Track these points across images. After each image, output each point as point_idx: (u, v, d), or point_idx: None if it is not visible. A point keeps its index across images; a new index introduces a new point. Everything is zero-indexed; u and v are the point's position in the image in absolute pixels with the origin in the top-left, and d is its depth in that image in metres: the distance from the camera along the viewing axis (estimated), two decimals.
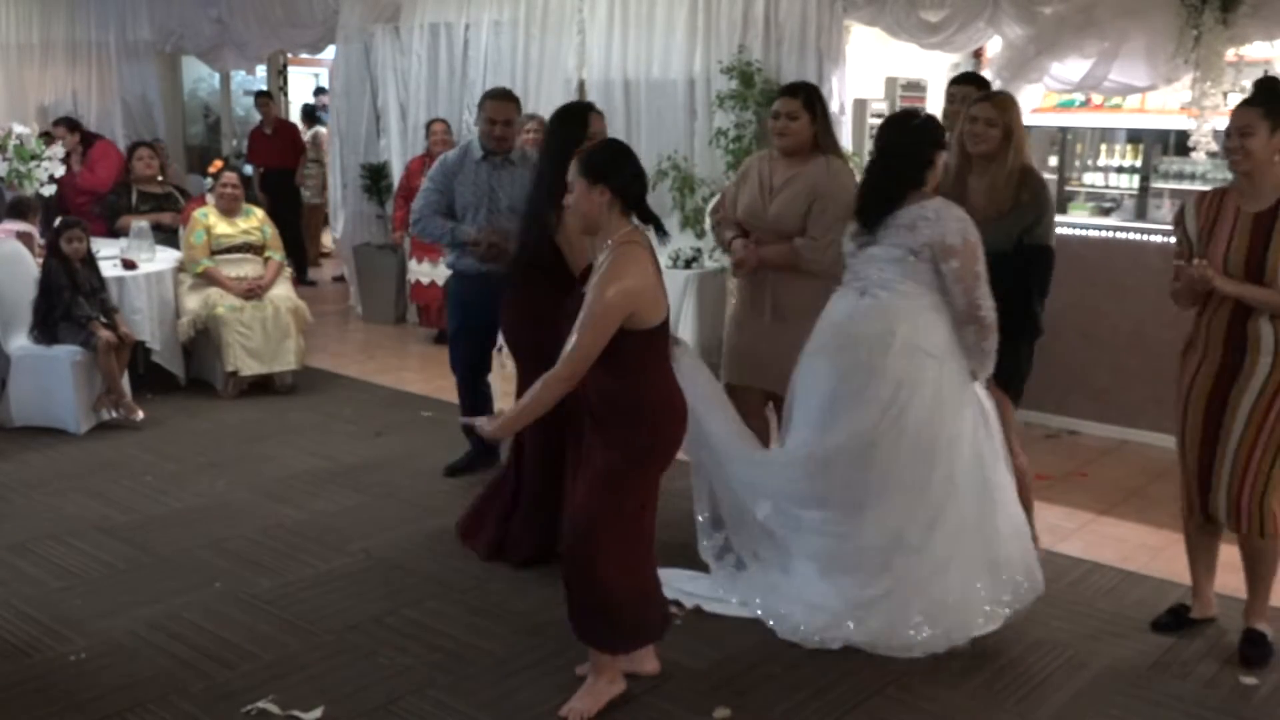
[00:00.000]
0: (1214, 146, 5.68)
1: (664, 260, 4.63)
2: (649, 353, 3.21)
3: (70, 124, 8.93)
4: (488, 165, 5.06)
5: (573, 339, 3.09)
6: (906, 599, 3.69)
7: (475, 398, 5.35)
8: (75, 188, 8.22)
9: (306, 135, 11.19)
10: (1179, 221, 3.76)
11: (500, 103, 5.08)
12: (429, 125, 8.25)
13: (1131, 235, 6.23)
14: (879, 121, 7.20)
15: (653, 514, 3.39)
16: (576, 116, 4.36)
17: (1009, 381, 4.09)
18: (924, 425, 3.65)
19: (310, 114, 12.14)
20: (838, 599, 3.77)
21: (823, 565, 3.84)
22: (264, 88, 11.67)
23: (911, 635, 3.68)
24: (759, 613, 3.91)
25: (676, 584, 3.99)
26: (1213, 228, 3.63)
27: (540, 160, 4.41)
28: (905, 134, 3.73)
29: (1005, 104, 4.18)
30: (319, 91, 12.97)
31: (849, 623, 3.73)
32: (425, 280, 8.16)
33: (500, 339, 5.31)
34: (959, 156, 4.17)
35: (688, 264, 7.10)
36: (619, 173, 3.19)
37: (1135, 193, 6.91)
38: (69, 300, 5.99)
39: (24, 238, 6.46)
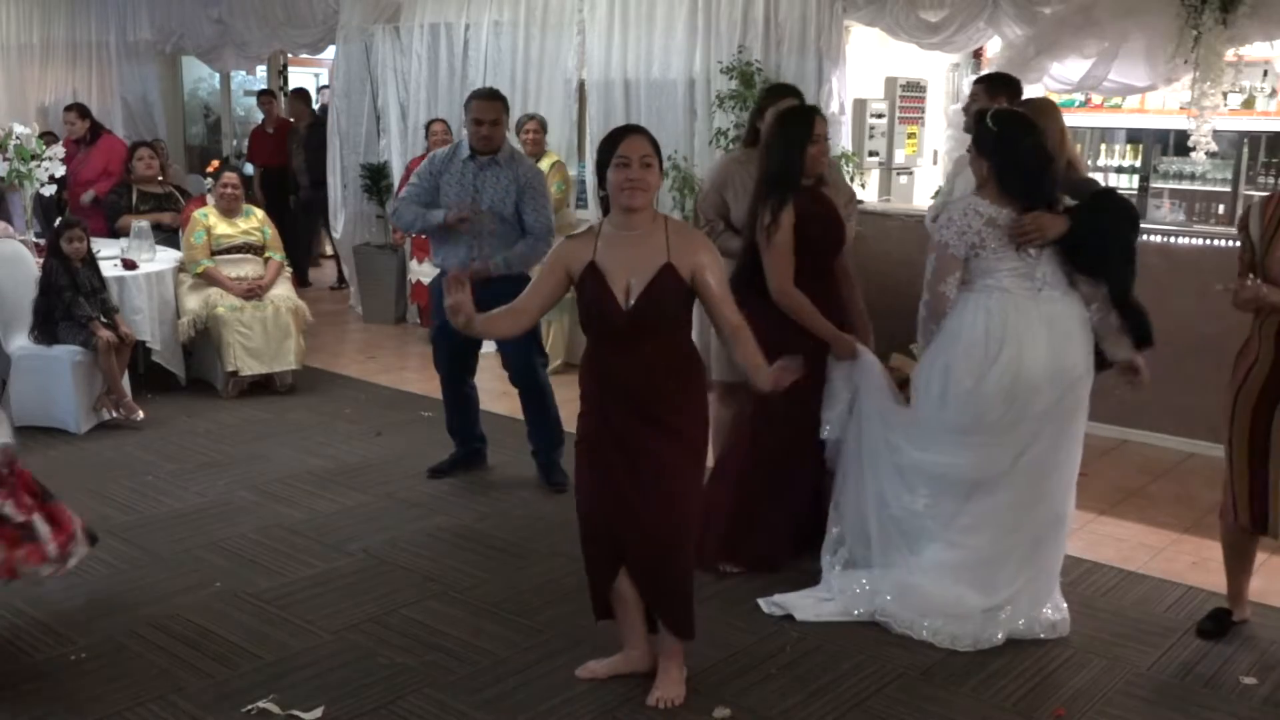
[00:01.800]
0: (1214, 146, 5.69)
1: None
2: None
3: (82, 110, 8.93)
4: (474, 165, 5.05)
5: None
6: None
7: (460, 399, 5.35)
8: (75, 178, 8.26)
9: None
10: (1243, 225, 3.68)
11: (486, 102, 5.06)
12: (429, 125, 8.25)
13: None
14: (879, 122, 7.28)
15: None
16: (802, 117, 4.21)
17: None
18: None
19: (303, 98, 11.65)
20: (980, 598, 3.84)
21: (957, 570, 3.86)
22: (264, 87, 11.67)
23: (1049, 614, 3.85)
24: (881, 614, 3.92)
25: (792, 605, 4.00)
26: (1276, 231, 3.54)
27: (765, 160, 4.21)
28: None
29: (1043, 109, 4.15)
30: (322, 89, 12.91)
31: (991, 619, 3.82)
32: (425, 280, 8.16)
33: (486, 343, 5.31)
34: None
35: None
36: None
37: (1135, 193, 6.94)
38: (69, 300, 6.00)
39: None
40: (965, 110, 4.80)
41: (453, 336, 5.24)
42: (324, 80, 12.96)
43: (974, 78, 5.14)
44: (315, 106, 10.81)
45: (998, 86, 4.78)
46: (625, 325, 3.22)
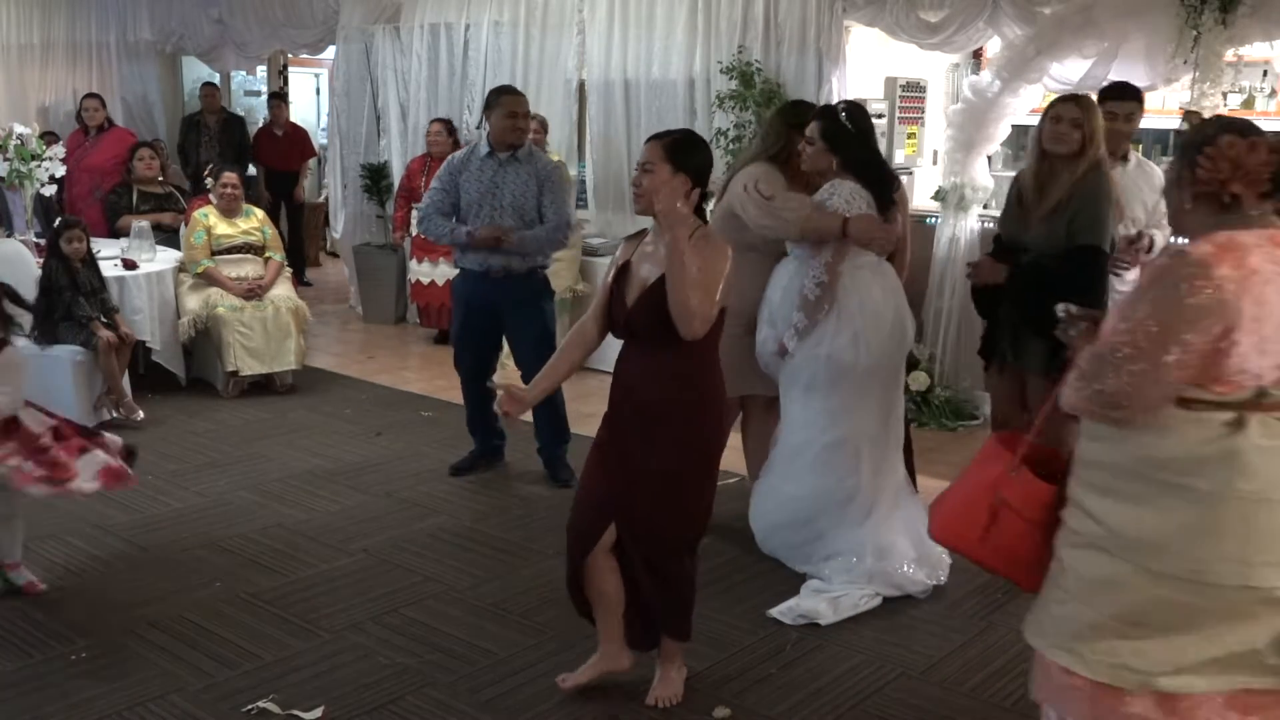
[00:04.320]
0: None
1: None
2: (716, 333, 3.25)
3: (101, 100, 9.03)
4: (493, 162, 5.07)
5: (697, 293, 3.05)
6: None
7: (483, 402, 5.32)
8: (83, 163, 8.31)
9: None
10: None
11: (518, 96, 5.17)
12: (429, 126, 8.27)
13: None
14: (879, 122, 7.27)
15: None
16: (863, 111, 4.37)
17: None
18: None
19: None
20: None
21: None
22: (263, 88, 11.66)
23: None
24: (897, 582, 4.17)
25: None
26: None
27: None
28: None
29: (1089, 106, 4.17)
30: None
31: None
32: (425, 280, 8.17)
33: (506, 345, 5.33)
34: (1037, 160, 4.15)
35: None
36: (703, 166, 3.26)
37: None
38: (69, 300, 6.00)
39: None
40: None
41: (475, 337, 5.28)
42: (324, 81, 12.94)
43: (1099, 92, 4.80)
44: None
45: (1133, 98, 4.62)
46: (623, 329, 3.25)
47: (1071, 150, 4.05)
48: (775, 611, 3.98)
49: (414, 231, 8.18)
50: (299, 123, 11.59)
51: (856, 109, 4.31)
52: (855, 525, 4.19)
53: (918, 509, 4.16)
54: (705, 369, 3.26)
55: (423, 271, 8.16)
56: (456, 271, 5.32)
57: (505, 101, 5.08)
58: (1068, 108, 4.10)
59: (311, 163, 10.82)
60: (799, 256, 4.27)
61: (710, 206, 5.77)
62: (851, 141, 4.16)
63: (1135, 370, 2.23)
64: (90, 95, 9.05)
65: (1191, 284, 2.20)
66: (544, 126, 7.52)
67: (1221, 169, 2.29)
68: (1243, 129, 2.34)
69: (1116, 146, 4.45)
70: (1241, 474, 2.21)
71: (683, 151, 3.22)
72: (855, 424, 4.20)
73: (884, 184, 4.21)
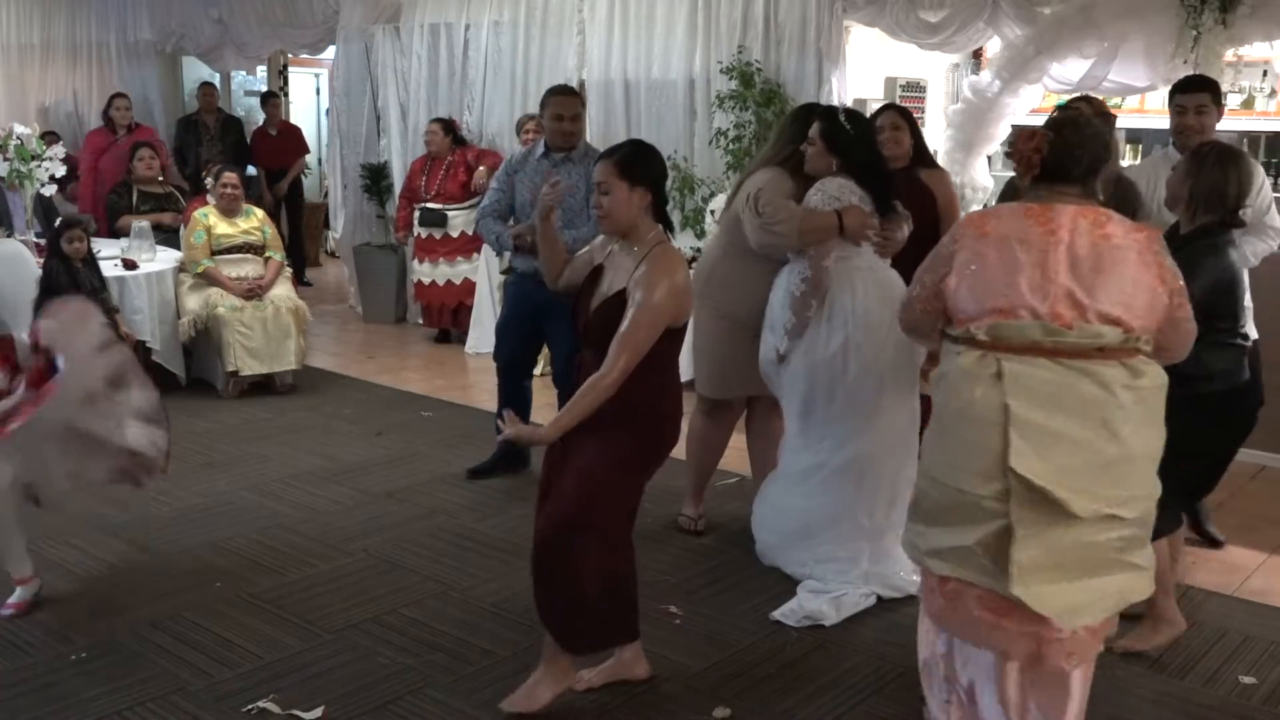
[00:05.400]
0: None
1: None
2: (670, 351, 3.23)
3: (129, 100, 9.20)
4: (548, 162, 5.04)
5: (623, 342, 3.05)
6: None
7: (514, 397, 5.21)
8: (102, 162, 8.45)
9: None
10: None
11: (566, 98, 5.10)
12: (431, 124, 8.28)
13: None
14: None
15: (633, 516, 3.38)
16: (862, 117, 4.43)
17: None
18: None
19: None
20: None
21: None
22: (263, 88, 11.65)
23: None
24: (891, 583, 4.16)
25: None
26: None
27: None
28: None
29: (1100, 106, 4.18)
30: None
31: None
32: (427, 280, 8.17)
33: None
34: None
35: (689, 264, 7.10)
36: (659, 175, 3.25)
37: None
38: None
39: None
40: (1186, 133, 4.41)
41: (516, 333, 5.21)
42: (324, 80, 12.94)
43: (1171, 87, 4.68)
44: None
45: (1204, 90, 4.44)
46: (584, 334, 3.24)
47: None
48: (778, 614, 3.95)
49: (416, 232, 8.19)
50: (299, 123, 11.63)
51: (857, 114, 4.31)
52: (857, 537, 4.15)
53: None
54: (646, 385, 3.15)
55: (424, 272, 8.17)
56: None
57: (552, 103, 5.04)
58: (1078, 106, 4.07)
59: (309, 160, 10.83)
60: (793, 258, 4.24)
61: (713, 209, 5.77)
62: (851, 143, 4.13)
63: (904, 302, 3.05)
64: (119, 95, 9.11)
65: (945, 240, 2.93)
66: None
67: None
68: (1054, 120, 2.87)
69: (1186, 141, 4.31)
70: (952, 393, 2.80)
71: (635, 165, 3.20)
72: (863, 444, 4.10)
73: (884, 187, 4.17)
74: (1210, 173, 3.57)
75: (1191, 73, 5.46)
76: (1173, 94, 4.48)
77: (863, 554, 4.13)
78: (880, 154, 4.36)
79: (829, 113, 4.28)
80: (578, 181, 4.92)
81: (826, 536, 4.17)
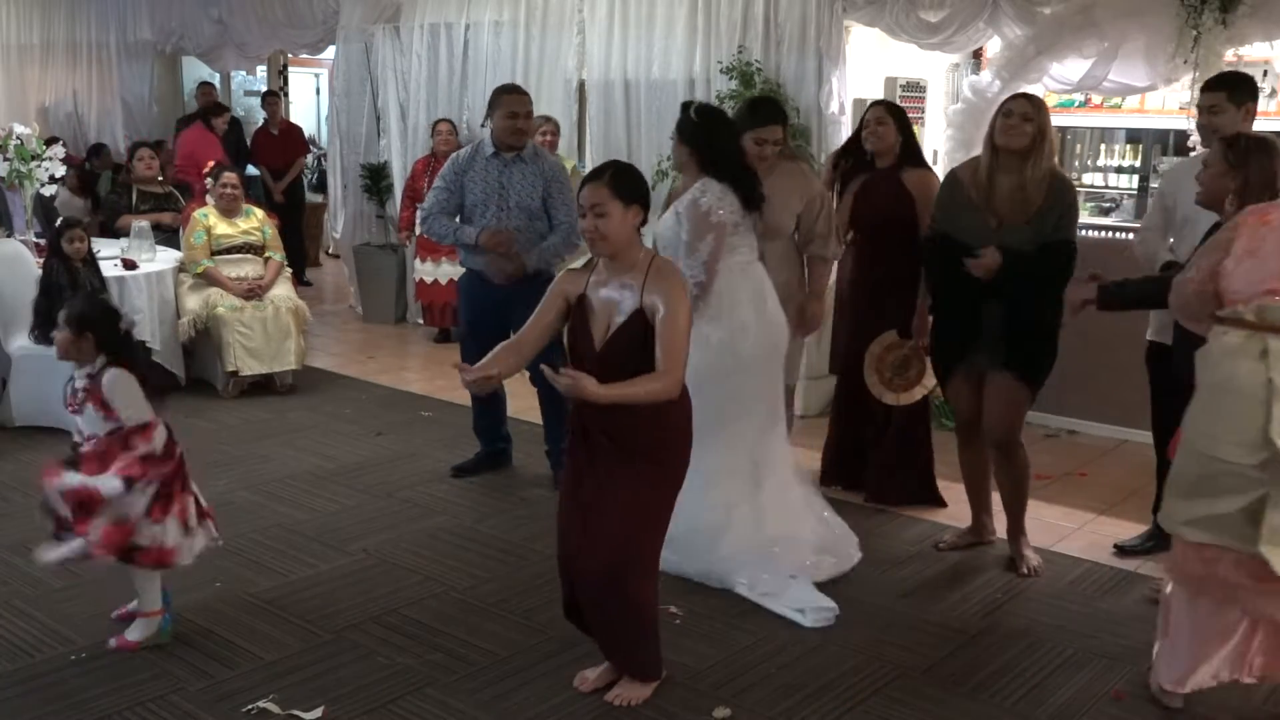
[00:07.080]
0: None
1: None
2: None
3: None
4: (498, 162, 5.04)
5: (670, 349, 3.06)
6: None
7: (487, 399, 5.27)
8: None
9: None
10: None
11: (519, 95, 5.11)
12: (435, 125, 8.26)
13: (1131, 235, 6.22)
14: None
15: None
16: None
17: (1036, 375, 4.27)
18: None
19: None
20: None
21: None
22: (263, 88, 11.66)
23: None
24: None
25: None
26: None
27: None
28: None
29: (1041, 103, 4.21)
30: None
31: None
32: (429, 279, 8.18)
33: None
34: (989, 154, 4.18)
35: None
36: (646, 191, 3.27)
37: (1134, 193, 6.93)
38: (70, 300, 5.99)
39: None
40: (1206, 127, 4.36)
41: (483, 336, 5.23)
42: (324, 80, 12.96)
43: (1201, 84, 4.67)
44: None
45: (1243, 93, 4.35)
46: (595, 366, 3.14)
47: (1023, 145, 4.09)
48: (792, 617, 3.93)
49: (419, 231, 8.18)
50: (298, 123, 11.64)
51: (709, 108, 4.39)
52: (752, 530, 4.19)
53: (814, 495, 4.48)
54: (679, 405, 3.20)
55: (426, 271, 8.17)
56: (462, 270, 5.30)
57: (506, 101, 5.03)
58: (1019, 103, 4.15)
59: (308, 159, 10.84)
60: (685, 256, 4.15)
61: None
62: (699, 133, 4.16)
63: (1175, 285, 3.27)
64: (206, 86, 9.69)
65: (1224, 227, 3.24)
66: (557, 130, 7.51)
67: None
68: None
69: (1205, 140, 4.33)
70: (1214, 368, 3.09)
71: (627, 184, 3.20)
72: (720, 445, 4.09)
73: (744, 183, 4.17)
74: (1260, 160, 3.56)
75: (1193, 73, 5.48)
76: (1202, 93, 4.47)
77: (771, 544, 4.19)
78: (734, 150, 4.27)
79: (683, 106, 4.32)
80: (533, 180, 5.00)
81: (727, 539, 4.19)
